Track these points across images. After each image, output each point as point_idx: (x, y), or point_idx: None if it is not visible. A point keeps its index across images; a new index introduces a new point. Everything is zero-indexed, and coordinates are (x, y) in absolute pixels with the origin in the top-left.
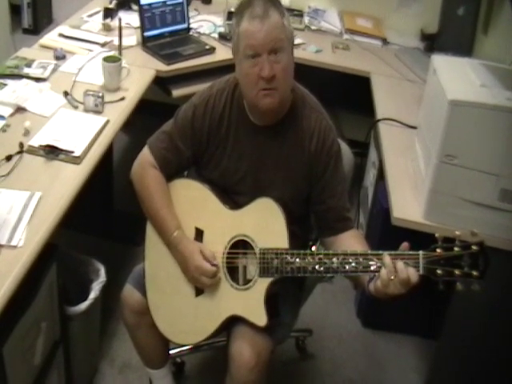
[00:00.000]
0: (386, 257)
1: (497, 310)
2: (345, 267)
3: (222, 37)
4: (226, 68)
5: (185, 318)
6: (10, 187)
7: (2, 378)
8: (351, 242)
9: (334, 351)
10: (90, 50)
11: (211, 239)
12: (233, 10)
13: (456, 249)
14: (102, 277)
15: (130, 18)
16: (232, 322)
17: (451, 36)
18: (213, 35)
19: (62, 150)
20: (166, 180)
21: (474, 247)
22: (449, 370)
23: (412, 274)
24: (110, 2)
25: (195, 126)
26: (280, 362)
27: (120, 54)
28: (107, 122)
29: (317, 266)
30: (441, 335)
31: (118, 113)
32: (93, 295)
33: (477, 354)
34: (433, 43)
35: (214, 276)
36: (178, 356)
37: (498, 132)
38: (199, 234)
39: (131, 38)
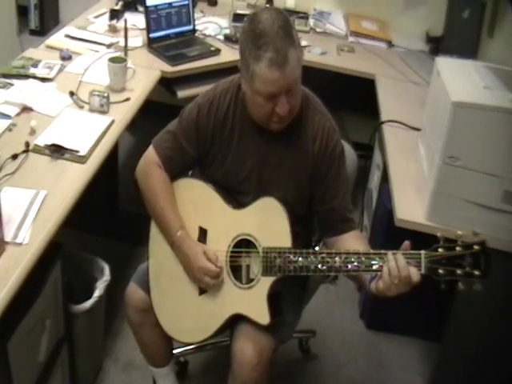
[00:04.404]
0: (389, 256)
1: (500, 312)
2: (347, 266)
3: (228, 38)
4: (231, 69)
5: (188, 316)
6: (16, 185)
7: (6, 374)
8: (353, 242)
9: (337, 352)
10: (96, 51)
11: (215, 238)
12: (238, 12)
13: (458, 248)
14: (107, 275)
15: (136, 20)
16: (235, 321)
17: (456, 39)
18: (218, 37)
19: (67, 150)
20: (170, 179)
21: (475, 247)
22: (452, 373)
23: (414, 274)
24: (116, 4)
25: (200, 126)
26: (283, 363)
27: (126, 54)
28: (112, 121)
29: (319, 265)
30: (444, 338)
31: (123, 113)
32: (97, 293)
33: (480, 357)
34: (438, 46)
35: (218, 277)
36: (182, 355)
37: (501, 134)
38: (203, 233)
39: (137, 39)
